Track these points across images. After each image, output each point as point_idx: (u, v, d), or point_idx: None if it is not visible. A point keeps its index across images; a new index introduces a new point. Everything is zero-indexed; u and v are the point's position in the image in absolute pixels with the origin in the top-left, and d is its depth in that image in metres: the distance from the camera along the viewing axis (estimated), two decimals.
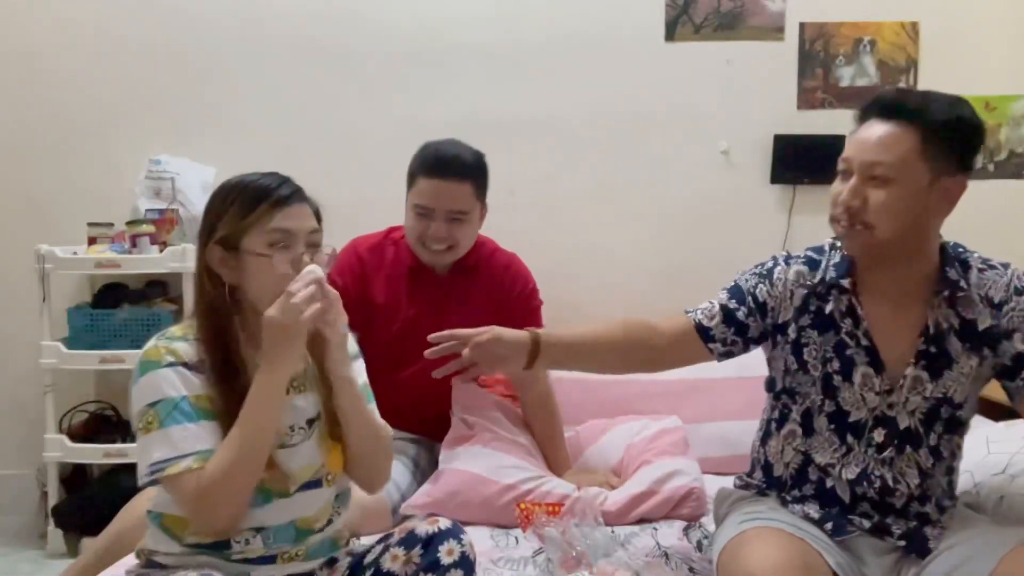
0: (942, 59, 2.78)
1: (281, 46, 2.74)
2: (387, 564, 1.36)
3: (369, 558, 1.40)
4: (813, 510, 1.50)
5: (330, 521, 1.43)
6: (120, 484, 2.43)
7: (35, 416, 2.56)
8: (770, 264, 1.59)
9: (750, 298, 1.56)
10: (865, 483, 1.47)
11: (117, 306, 2.55)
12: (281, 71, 2.75)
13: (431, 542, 1.35)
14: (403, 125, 2.78)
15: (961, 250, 1.53)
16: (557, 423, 2.17)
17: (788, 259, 1.58)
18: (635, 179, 2.81)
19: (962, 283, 1.46)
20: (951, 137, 1.39)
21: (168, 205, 2.59)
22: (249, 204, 1.38)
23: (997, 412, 2.27)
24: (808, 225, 2.81)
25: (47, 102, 2.73)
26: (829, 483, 1.50)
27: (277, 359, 1.28)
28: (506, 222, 2.75)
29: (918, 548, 1.43)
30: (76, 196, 2.71)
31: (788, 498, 1.54)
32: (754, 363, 2.50)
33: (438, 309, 2.10)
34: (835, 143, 2.69)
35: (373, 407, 1.47)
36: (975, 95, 2.78)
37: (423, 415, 2.15)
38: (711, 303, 1.59)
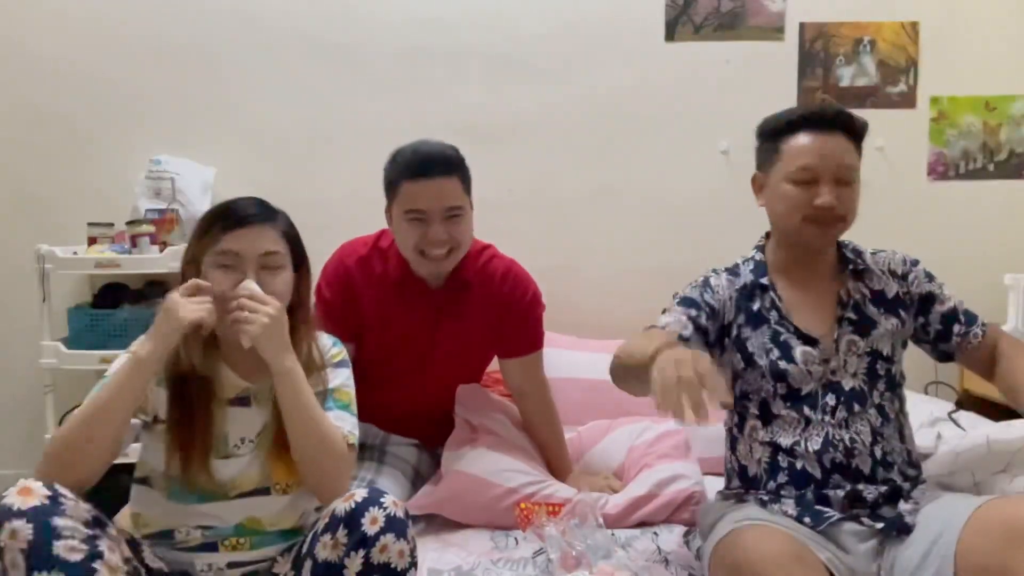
0: (942, 59, 2.78)
1: (282, 46, 2.75)
2: (321, 553, 1.33)
3: (305, 549, 1.38)
4: (790, 507, 1.57)
5: (300, 527, 1.49)
6: (120, 484, 2.42)
7: (35, 416, 2.56)
8: (702, 278, 1.74)
9: (704, 304, 1.68)
10: (831, 449, 1.58)
11: (117, 306, 2.56)
12: (282, 71, 2.75)
13: (352, 518, 1.32)
14: (403, 125, 2.77)
15: (848, 242, 1.75)
16: (557, 430, 2.16)
17: (715, 271, 1.76)
18: (635, 179, 2.81)
19: (859, 262, 1.70)
20: (861, 141, 1.67)
21: (168, 205, 2.59)
22: (205, 226, 1.46)
23: (998, 412, 2.27)
24: None
25: (47, 102, 2.73)
26: (799, 464, 1.60)
27: (149, 337, 1.36)
28: (506, 222, 2.76)
29: (898, 527, 1.51)
30: (76, 196, 2.71)
31: (766, 497, 1.61)
32: None
33: (431, 325, 2.04)
34: None
35: (344, 415, 1.50)
36: (975, 95, 2.80)
37: (419, 425, 2.15)
38: (674, 316, 1.66)
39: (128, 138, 2.73)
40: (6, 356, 2.75)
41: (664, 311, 1.69)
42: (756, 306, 1.68)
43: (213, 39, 2.73)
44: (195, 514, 1.43)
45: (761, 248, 1.80)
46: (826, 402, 1.61)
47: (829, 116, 1.63)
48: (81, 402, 2.74)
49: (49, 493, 1.24)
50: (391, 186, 1.96)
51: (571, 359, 2.48)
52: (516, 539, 1.82)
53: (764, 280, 1.70)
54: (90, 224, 2.56)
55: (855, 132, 1.64)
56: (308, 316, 1.55)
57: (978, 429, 2.03)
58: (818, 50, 2.78)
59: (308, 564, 1.35)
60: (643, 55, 2.78)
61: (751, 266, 1.75)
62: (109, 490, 2.43)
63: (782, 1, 2.77)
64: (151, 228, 2.52)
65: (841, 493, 1.56)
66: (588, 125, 2.80)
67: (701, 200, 2.82)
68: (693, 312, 1.66)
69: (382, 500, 1.34)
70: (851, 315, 1.65)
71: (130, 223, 2.53)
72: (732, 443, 1.73)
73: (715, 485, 2.18)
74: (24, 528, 1.19)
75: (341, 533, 1.31)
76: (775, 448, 1.62)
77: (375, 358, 2.02)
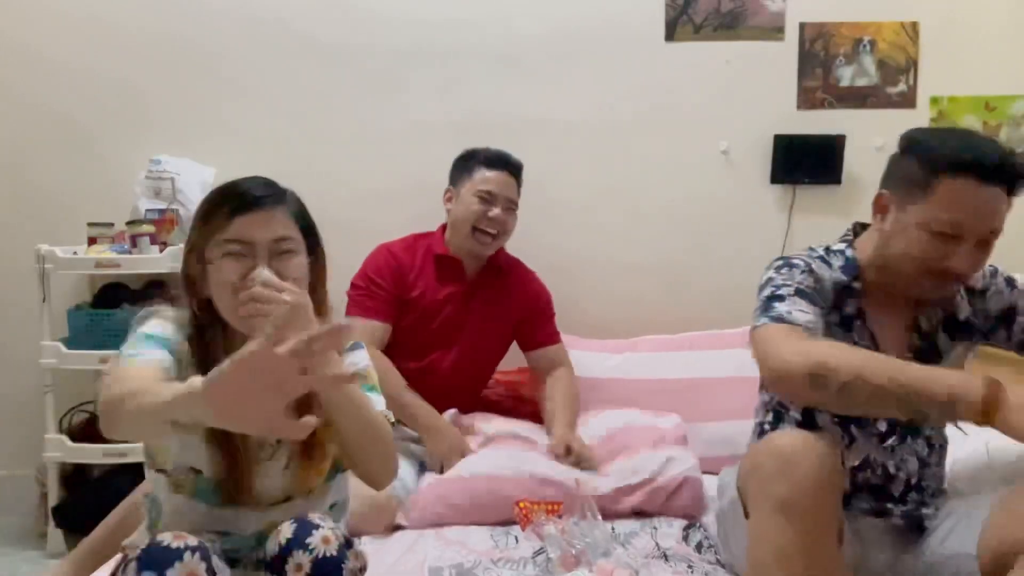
0: (942, 59, 2.78)
1: (282, 46, 2.75)
2: None
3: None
4: None
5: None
6: (120, 484, 2.42)
7: (35, 416, 2.56)
8: (803, 263, 1.55)
9: (820, 298, 1.51)
10: (868, 470, 1.54)
11: (117, 306, 2.55)
12: (282, 71, 2.75)
13: (277, 565, 1.17)
14: (404, 125, 2.78)
15: None
16: (575, 402, 2.33)
17: (812, 256, 1.58)
18: (635, 179, 2.81)
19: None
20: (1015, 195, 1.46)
21: (168, 205, 2.59)
22: (209, 212, 1.32)
23: None
24: (808, 225, 2.82)
25: (47, 102, 2.73)
26: None
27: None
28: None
29: (917, 526, 1.53)
30: (76, 196, 2.71)
31: None
32: (753, 363, 2.53)
33: (464, 303, 2.33)
34: (835, 143, 2.76)
35: (375, 396, 1.37)
36: (975, 95, 2.80)
37: (438, 400, 2.22)
38: (804, 311, 1.46)
39: (128, 138, 2.73)
40: (6, 356, 2.75)
41: (774, 297, 1.48)
42: (848, 310, 1.56)
43: (213, 39, 2.73)
44: (215, 518, 1.32)
45: (849, 242, 1.64)
46: (878, 427, 1.55)
47: (1001, 168, 1.41)
48: (81, 402, 2.75)
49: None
50: (466, 169, 2.34)
51: (571, 359, 2.48)
52: (516, 537, 1.82)
53: (857, 284, 1.56)
54: (90, 224, 2.56)
55: (1015, 188, 1.43)
56: (326, 301, 1.42)
57: (979, 435, 2.03)
58: (818, 50, 2.78)
59: None
60: (643, 55, 2.78)
61: (841, 261, 1.59)
62: (109, 490, 2.45)
63: (782, 1, 2.77)
64: (151, 228, 2.52)
65: (865, 506, 1.55)
66: (588, 125, 2.80)
67: (701, 200, 2.82)
68: (818, 309, 1.49)
69: (308, 541, 1.17)
70: (922, 344, 1.57)
71: (130, 223, 2.53)
72: (758, 438, 1.67)
73: (713, 484, 2.18)
74: (199, 566, 1.11)
75: None
76: None
77: (408, 328, 2.28)
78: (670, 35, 2.78)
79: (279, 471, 1.34)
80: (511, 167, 2.35)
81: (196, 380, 1.03)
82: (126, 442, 2.49)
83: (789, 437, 1.36)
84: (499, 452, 2.09)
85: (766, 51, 2.78)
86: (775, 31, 2.78)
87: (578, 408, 2.31)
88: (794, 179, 2.79)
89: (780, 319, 1.43)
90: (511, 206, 2.34)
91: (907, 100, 2.79)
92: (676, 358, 2.56)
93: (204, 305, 1.33)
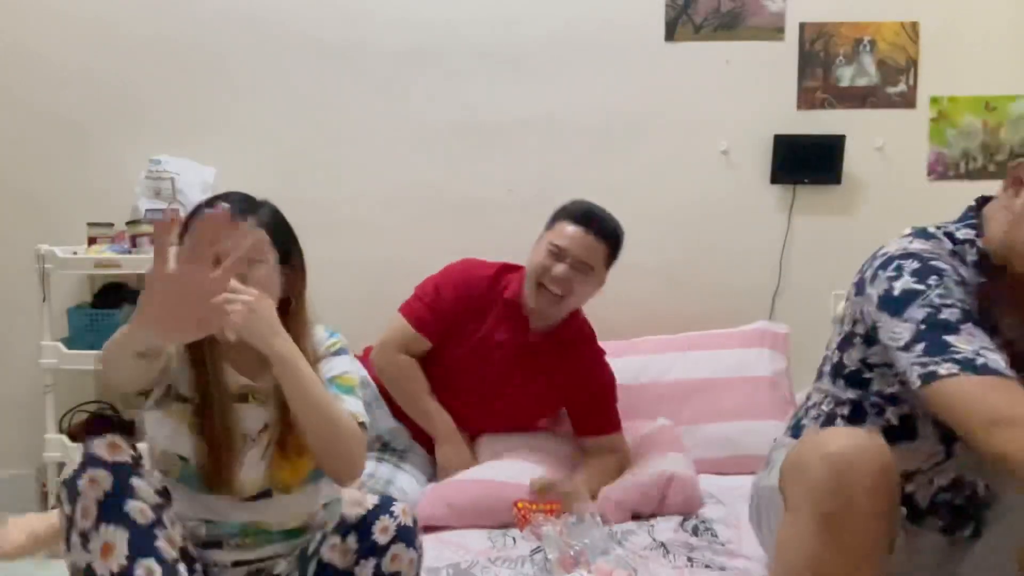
0: (942, 59, 2.78)
1: (282, 46, 2.75)
2: (327, 555, 1.33)
3: (311, 547, 1.38)
4: None
5: (306, 527, 1.45)
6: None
7: (35, 416, 2.56)
8: (948, 268, 1.32)
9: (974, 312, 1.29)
10: (954, 491, 1.39)
11: (117, 306, 2.55)
12: (282, 71, 2.75)
13: (363, 525, 1.32)
14: (404, 125, 2.78)
15: None
16: (608, 479, 2.10)
17: (945, 255, 1.36)
18: (635, 179, 2.81)
19: None
20: None
21: (168, 205, 2.59)
22: (183, 229, 1.42)
23: None
24: (808, 225, 2.82)
25: (47, 102, 2.73)
26: (908, 488, 1.38)
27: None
28: (506, 222, 2.76)
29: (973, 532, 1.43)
30: (76, 196, 2.71)
31: None
32: (753, 363, 2.54)
33: (516, 358, 2.16)
34: (835, 143, 2.76)
35: (349, 399, 1.43)
36: (975, 95, 2.79)
37: (472, 434, 2.22)
38: (987, 347, 1.22)
39: (128, 138, 2.73)
40: (6, 356, 2.75)
41: (941, 326, 1.23)
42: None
43: (213, 39, 2.73)
44: (199, 504, 1.40)
45: (976, 227, 1.42)
46: None
47: None
48: (81, 402, 2.75)
49: (134, 454, 1.26)
50: (553, 219, 2.17)
51: None
52: (514, 538, 1.82)
53: (991, 284, 1.35)
54: (90, 224, 2.56)
55: None
56: (302, 310, 1.48)
57: None
58: (818, 50, 2.78)
59: (313, 565, 1.35)
60: (643, 55, 2.78)
61: (974, 256, 1.37)
62: None
63: (782, 1, 2.76)
64: (151, 228, 2.52)
65: (940, 524, 1.42)
66: (588, 125, 2.80)
67: (701, 200, 2.81)
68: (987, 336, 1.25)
69: (392, 508, 1.34)
70: None
71: (130, 223, 2.52)
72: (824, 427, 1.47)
73: (715, 484, 2.19)
74: (105, 478, 1.21)
75: (351, 539, 1.32)
76: None
77: (452, 360, 2.17)
78: (670, 35, 2.77)
79: (256, 461, 1.40)
80: (596, 227, 2.11)
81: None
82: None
83: (844, 440, 1.19)
84: (503, 462, 2.09)
85: (766, 51, 2.78)
86: (775, 31, 2.78)
87: (603, 479, 2.08)
88: (794, 179, 2.79)
89: (973, 367, 1.17)
90: (583, 268, 2.10)
91: (907, 100, 2.79)
92: (676, 358, 2.56)
93: None
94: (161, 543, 1.23)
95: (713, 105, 2.80)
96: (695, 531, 1.85)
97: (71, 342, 2.50)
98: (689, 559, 1.71)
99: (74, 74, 2.72)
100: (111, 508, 1.21)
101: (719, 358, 2.55)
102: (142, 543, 1.21)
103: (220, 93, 2.75)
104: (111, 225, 2.58)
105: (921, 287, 1.27)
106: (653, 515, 1.97)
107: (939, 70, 2.78)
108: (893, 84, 2.78)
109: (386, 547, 1.30)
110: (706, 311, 2.75)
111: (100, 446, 1.25)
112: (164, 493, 1.30)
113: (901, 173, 2.80)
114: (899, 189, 2.80)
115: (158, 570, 1.21)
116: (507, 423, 2.23)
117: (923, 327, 1.23)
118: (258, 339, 1.33)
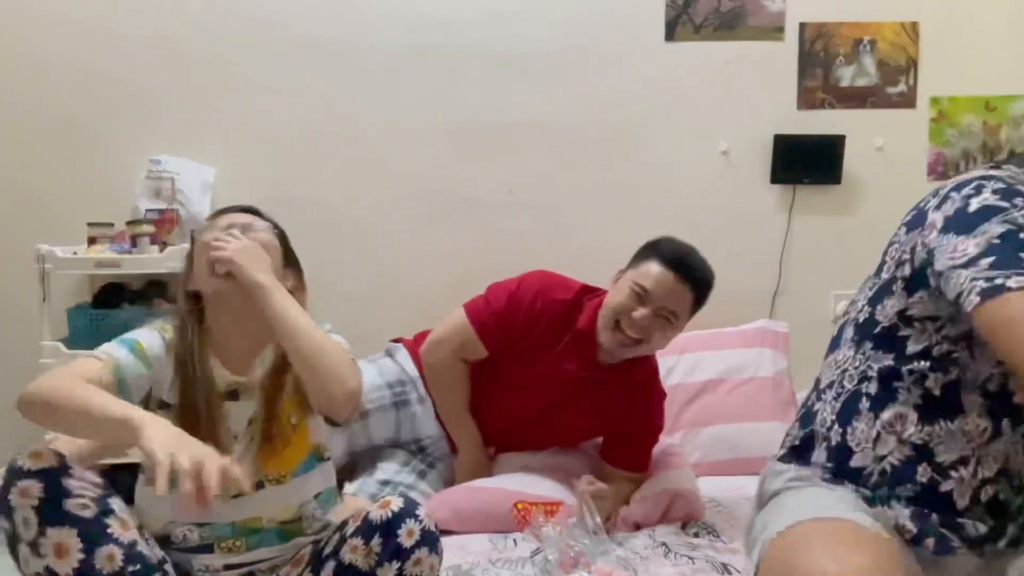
0: (942, 59, 2.78)
1: (282, 46, 2.74)
2: (347, 556, 1.33)
3: (328, 549, 1.38)
4: (905, 519, 1.20)
5: (299, 518, 1.46)
6: (120, 484, 2.42)
7: None
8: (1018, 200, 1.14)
9: None
10: (1002, 480, 1.19)
11: (117, 306, 2.55)
12: (282, 71, 2.75)
13: (389, 528, 1.32)
14: (404, 125, 2.78)
15: None
16: (625, 494, 2.06)
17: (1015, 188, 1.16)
18: (635, 179, 2.81)
19: None
20: None
21: (168, 205, 2.59)
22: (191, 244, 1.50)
23: None
24: (808, 225, 2.82)
25: (47, 102, 2.73)
26: (946, 487, 1.20)
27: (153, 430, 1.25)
28: (506, 222, 2.76)
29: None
30: (76, 196, 2.70)
31: (869, 494, 1.23)
32: (754, 363, 2.53)
33: (577, 389, 2.06)
34: (835, 143, 2.76)
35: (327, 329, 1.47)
36: (975, 95, 2.80)
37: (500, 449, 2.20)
38: None
39: (128, 138, 2.72)
40: (6, 356, 2.74)
41: (1016, 242, 1.07)
42: None
43: (213, 39, 2.73)
44: (192, 513, 1.39)
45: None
46: None
47: None
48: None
49: (59, 457, 1.27)
50: (643, 255, 2.02)
51: None
52: (515, 541, 1.82)
53: None
54: (90, 224, 2.56)
55: None
56: (303, 302, 1.51)
57: None
58: (818, 50, 2.78)
59: (331, 565, 1.34)
60: (643, 55, 2.78)
61: None
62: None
63: (782, 1, 2.76)
64: (151, 228, 2.51)
65: (983, 528, 1.20)
66: (588, 125, 2.79)
67: (701, 200, 2.81)
68: None
69: (418, 512, 1.35)
70: None
71: (130, 223, 2.52)
72: (846, 414, 1.28)
73: (714, 487, 2.19)
74: (34, 486, 1.23)
75: (375, 541, 1.32)
76: (921, 454, 1.21)
77: (506, 380, 2.08)
78: (670, 35, 2.77)
79: (244, 456, 1.41)
80: (687, 272, 1.96)
81: (134, 413, 1.22)
82: None
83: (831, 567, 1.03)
84: (517, 476, 2.07)
85: (766, 51, 2.78)
86: (775, 31, 2.77)
87: (620, 503, 2.02)
88: (794, 179, 2.79)
89: None
90: (667, 315, 1.95)
91: (907, 100, 2.79)
92: (676, 360, 2.55)
93: (190, 298, 1.47)
94: (114, 529, 1.25)
95: (713, 105, 2.80)
96: (696, 535, 1.85)
97: (71, 342, 2.50)
98: (690, 558, 1.71)
99: (74, 74, 2.72)
100: (51, 512, 1.23)
101: (720, 358, 2.55)
102: (94, 534, 1.23)
103: (220, 93, 2.75)
104: (111, 225, 2.57)
105: (1005, 204, 1.12)
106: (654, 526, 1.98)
107: (939, 70, 2.78)
108: (893, 84, 2.78)
109: (411, 550, 1.31)
110: (706, 311, 2.72)
111: (22, 458, 1.26)
112: (105, 485, 1.31)
113: (901, 173, 2.80)
114: (899, 189, 2.79)
115: (118, 553, 1.23)
116: (541, 445, 2.17)
117: (998, 241, 1.08)
118: (244, 270, 1.38)
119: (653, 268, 1.95)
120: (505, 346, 2.06)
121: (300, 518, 1.47)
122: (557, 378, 2.04)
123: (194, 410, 1.39)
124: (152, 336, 1.44)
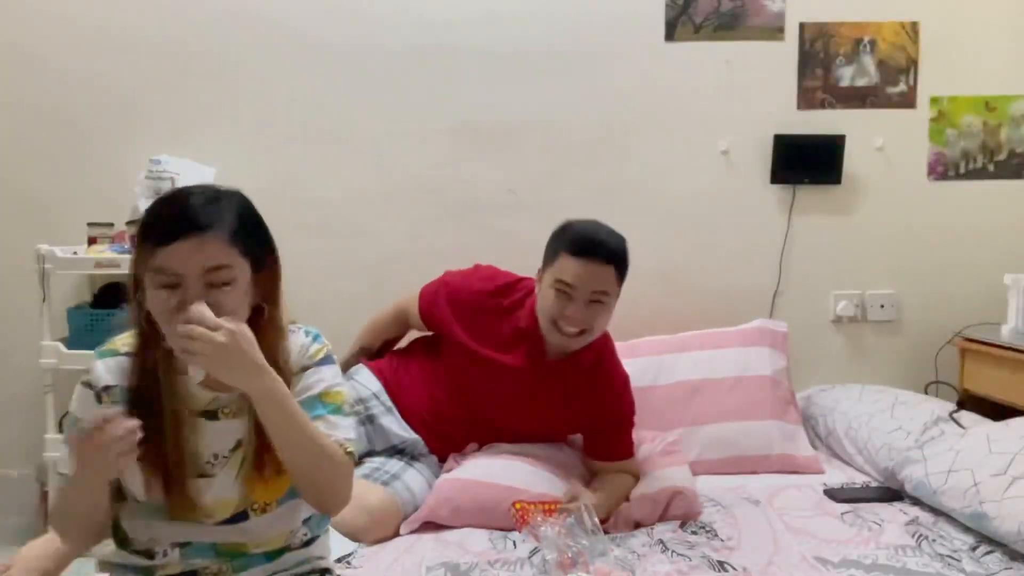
0: (942, 59, 2.78)
1: (282, 46, 2.75)
2: None
3: None
4: None
5: (287, 547, 1.37)
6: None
7: (35, 416, 2.56)
8: None
9: None
10: None
11: (117, 306, 2.54)
12: (282, 71, 2.75)
13: None
14: (404, 125, 2.78)
15: None
16: (619, 496, 2.04)
17: None
18: (635, 179, 2.81)
19: None
20: None
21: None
22: (139, 235, 1.26)
23: (998, 412, 2.27)
24: (808, 225, 2.82)
25: (47, 102, 2.73)
26: None
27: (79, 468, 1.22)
28: (506, 222, 2.76)
29: None
30: (76, 196, 2.71)
31: None
32: (753, 362, 2.53)
33: (529, 384, 2.07)
34: (835, 143, 2.76)
35: (338, 419, 1.33)
36: (975, 95, 2.80)
37: (459, 439, 2.18)
38: None
39: (128, 138, 2.73)
40: (6, 356, 2.75)
41: None
42: None
43: (213, 39, 2.73)
44: (171, 530, 1.30)
45: None
46: None
47: None
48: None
49: None
50: (553, 253, 2.01)
51: None
52: (514, 542, 1.82)
53: None
54: (90, 224, 2.57)
55: None
56: (277, 315, 1.32)
57: (978, 428, 2.04)
58: (818, 50, 2.78)
59: None
60: (643, 55, 2.78)
61: None
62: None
63: (782, 1, 2.76)
64: None
65: None
66: (588, 125, 2.80)
67: (701, 200, 2.81)
68: None
69: None
70: None
71: (130, 223, 2.52)
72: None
73: (712, 486, 2.19)
74: None
75: None
76: None
77: (458, 372, 2.13)
78: (670, 35, 2.77)
79: (230, 483, 1.30)
80: (600, 254, 1.96)
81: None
82: None
83: None
84: (505, 461, 2.06)
85: (766, 51, 2.78)
86: (775, 31, 2.77)
87: (618, 500, 2.02)
88: (794, 179, 2.79)
89: None
90: (599, 298, 1.96)
91: (907, 100, 2.79)
92: (675, 359, 2.55)
93: (149, 317, 1.28)
94: None
95: (713, 105, 2.80)
96: (694, 533, 1.86)
97: (71, 342, 2.50)
98: (688, 556, 1.72)
99: (74, 74, 2.72)
100: None
101: (719, 357, 2.55)
102: None
103: (220, 93, 2.75)
104: (111, 225, 2.58)
105: None
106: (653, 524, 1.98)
107: (939, 70, 2.78)
108: (893, 84, 2.78)
109: None
110: (706, 311, 2.75)
111: None
112: None
113: (901, 173, 2.80)
114: (899, 189, 2.80)
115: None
116: (521, 440, 2.15)
117: None
118: (237, 378, 1.20)
119: (567, 262, 1.96)
120: (439, 326, 2.17)
121: (289, 546, 1.37)
122: (510, 370, 2.06)
123: (159, 429, 1.25)
124: (99, 371, 1.34)
